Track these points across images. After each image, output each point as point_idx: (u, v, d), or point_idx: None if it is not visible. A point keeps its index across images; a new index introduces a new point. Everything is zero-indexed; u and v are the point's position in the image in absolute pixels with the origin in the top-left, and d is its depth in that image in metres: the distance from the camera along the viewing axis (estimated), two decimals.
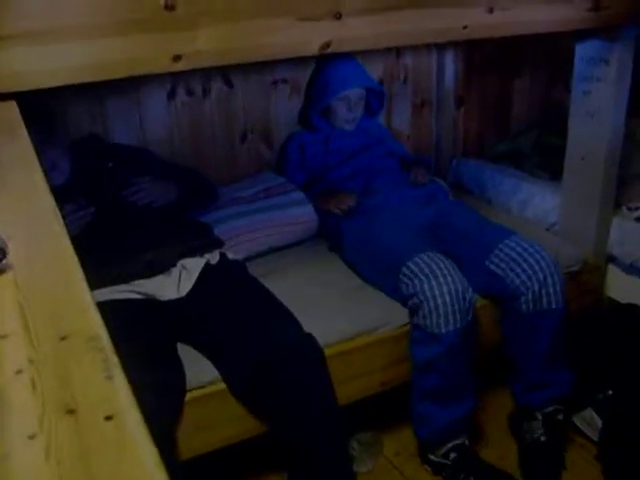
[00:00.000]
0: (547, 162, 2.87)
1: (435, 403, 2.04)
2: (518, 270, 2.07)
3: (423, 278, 1.97)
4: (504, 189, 2.87)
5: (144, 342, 1.74)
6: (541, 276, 2.06)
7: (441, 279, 1.96)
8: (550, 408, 2.15)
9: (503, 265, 2.10)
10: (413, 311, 2.01)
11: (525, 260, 2.08)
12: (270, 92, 2.74)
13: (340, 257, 2.39)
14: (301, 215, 2.51)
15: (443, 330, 1.94)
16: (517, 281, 2.07)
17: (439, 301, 1.93)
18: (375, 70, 2.92)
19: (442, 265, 2.00)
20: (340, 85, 2.52)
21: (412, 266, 2.02)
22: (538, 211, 2.71)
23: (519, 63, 3.22)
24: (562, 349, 2.16)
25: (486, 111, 3.23)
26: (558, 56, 3.04)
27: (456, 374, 2.02)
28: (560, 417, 2.17)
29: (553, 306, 2.08)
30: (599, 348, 2.34)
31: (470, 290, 2.00)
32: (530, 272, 2.06)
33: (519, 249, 2.11)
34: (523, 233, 2.37)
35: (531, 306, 2.07)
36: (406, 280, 2.02)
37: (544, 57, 3.21)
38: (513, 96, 3.27)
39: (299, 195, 2.56)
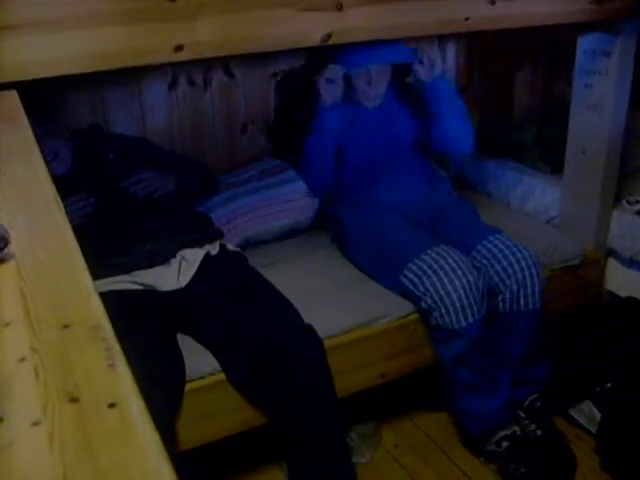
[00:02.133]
0: (548, 155, 2.86)
1: (474, 396, 2.05)
2: (497, 268, 2.07)
3: (432, 275, 1.95)
4: (505, 182, 2.87)
5: (143, 332, 1.74)
6: (520, 276, 2.06)
7: (451, 274, 1.94)
8: (527, 401, 2.17)
9: (484, 261, 2.10)
10: (427, 312, 2.00)
11: (505, 257, 2.08)
12: (271, 83, 2.73)
13: (340, 248, 2.39)
14: (293, 192, 2.50)
15: (464, 324, 1.93)
16: (496, 279, 2.07)
17: (454, 296, 1.92)
18: None
19: (450, 259, 1.97)
20: (356, 60, 2.18)
21: (420, 263, 1.99)
22: (538, 204, 2.71)
23: (520, 55, 3.21)
24: (538, 347, 2.17)
25: (487, 104, 3.22)
26: (560, 49, 3.04)
27: (486, 364, 2.03)
28: (538, 404, 2.18)
29: (530, 307, 2.09)
30: (598, 341, 2.35)
31: (480, 279, 1.99)
32: (510, 271, 2.06)
33: (501, 246, 2.10)
34: (523, 226, 2.38)
35: (507, 306, 2.09)
36: (413, 278, 2.00)
37: (546, 49, 3.21)
38: (514, 89, 3.27)
39: (291, 173, 2.55)
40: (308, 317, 1.86)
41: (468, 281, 1.94)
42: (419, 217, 2.32)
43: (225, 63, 2.60)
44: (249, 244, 2.41)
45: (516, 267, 2.07)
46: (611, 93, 2.29)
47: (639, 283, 2.45)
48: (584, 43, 2.33)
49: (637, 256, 2.43)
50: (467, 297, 1.92)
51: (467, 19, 1.83)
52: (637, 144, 2.81)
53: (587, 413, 2.27)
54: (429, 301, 1.96)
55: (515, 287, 2.07)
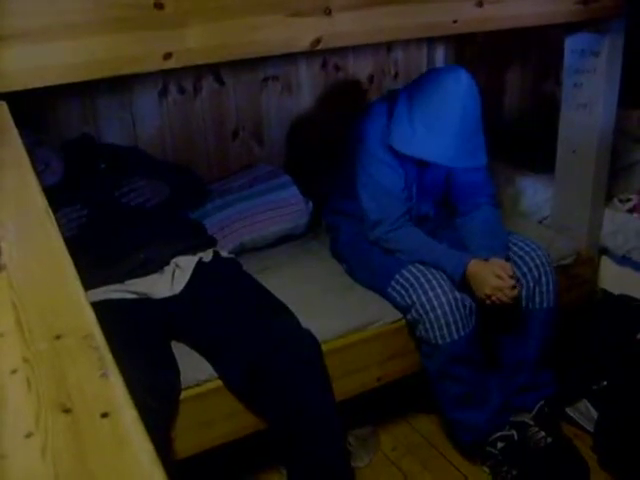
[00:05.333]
0: (539, 155, 2.86)
1: (465, 407, 2.05)
2: (514, 268, 2.04)
3: (418, 288, 1.95)
4: (496, 183, 2.86)
5: (138, 341, 1.74)
6: (536, 274, 2.06)
7: (438, 289, 1.93)
8: (535, 408, 2.16)
9: None
10: (413, 324, 2.00)
11: (520, 257, 2.08)
12: (261, 89, 2.73)
13: (334, 254, 2.38)
14: (286, 197, 2.51)
15: (448, 340, 1.93)
16: None
17: (439, 312, 1.91)
18: (365, 66, 2.92)
19: (438, 275, 1.97)
20: (445, 159, 1.99)
21: (407, 274, 2.00)
22: (531, 204, 2.71)
23: (509, 56, 3.22)
24: (550, 349, 2.17)
25: None
26: (548, 49, 3.05)
27: (474, 376, 2.02)
28: (546, 410, 2.17)
29: (545, 305, 2.09)
30: (593, 339, 2.35)
31: (468, 296, 1.99)
32: (525, 269, 2.06)
33: (515, 248, 2.11)
34: (516, 227, 2.39)
35: (524, 304, 2.08)
36: (400, 289, 2.00)
37: (534, 50, 3.22)
38: (505, 89, 3.28)
39: (284, 178, 2.56)
40: (303, 322, 1.86)
41: (455, 297, 1.93)
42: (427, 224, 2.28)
43: (215, 69, 2.60)
44: (243, 250, 2.41)
45: (531, 265, 2.07)
46: (600, 92, 2.30)
47: (632, 281, 2.45)
48: (572, 43, 2.33)
49: (630, 254, 2.43)
50: (452, 313, 1.91)
51: (455, 21, 1.83)
52: (627, 142, 2.82)
53: (584, 412, 2.27)
54: (414, 314, 1.96)
55: (531, 284, 2.07)
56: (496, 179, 2.83)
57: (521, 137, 3.02)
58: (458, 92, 1.93)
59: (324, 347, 1.89)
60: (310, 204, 2.53)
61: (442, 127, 1.93)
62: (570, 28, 2.29)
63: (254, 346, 1.76)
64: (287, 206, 2.48)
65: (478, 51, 3.12)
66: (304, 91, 2.82)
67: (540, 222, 2.67)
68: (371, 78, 2.94)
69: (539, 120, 3.05)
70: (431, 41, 3.00)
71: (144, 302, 1.91)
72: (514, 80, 3.28)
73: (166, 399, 1.70)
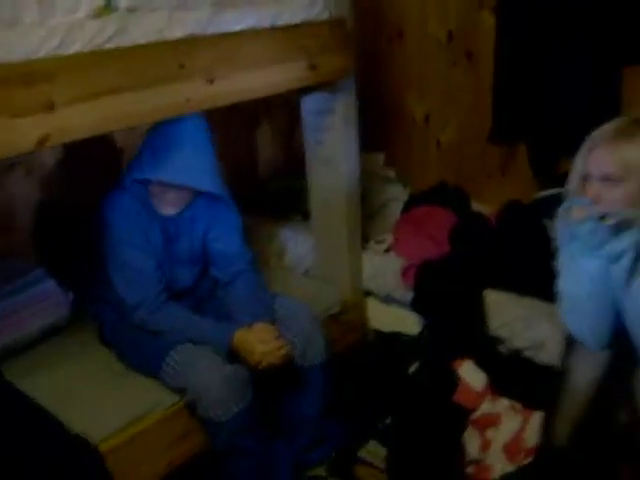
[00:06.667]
0: (298, 205, 2.93)
1: (257, 477, 2.03)
2: (282, 329, 2.08)
3: (189, 369, 1.93)
4: (258, 239, 2.88)
5: None
6: (304, 332, 2.12)
7: (209, 367, 1.92)
8: (329, 459, 2.21)
9: None
10: (192, 405, 1.97)
11: (287, 318, 2.13)
12: (1, 176, 2.54)
13: (103, 342, 2.27)
14: (43, 291, 2.35)
15: (228, 416, 1.91)
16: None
17: (213, 391, 1.89)
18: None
19: (207, 352, 1.97)
20: (170, 173, 2.00)
21: (175, 356, 1.97)
22: (294, 257, 2.77)
23: (257, 117, 3.31)
24: (332, 400, 2.23)
25: (232, 165, 3.26)
26: (291, 107, 3.16)
27: (260, 446, 2.01)
28: (339, 458, 2.23)
29: (317, 361, 2.15)
30: (371, 380, 2.45)
31: (241, 367, 1.98)
32: (296, 330, 2.11)
33: (282, 310, 2.16)
34: (282, 282, 2.44)
35: (299, 363, 2.12)
36: (171, 372, 1.97)
37: (280, 108, 3.32)
38: (256, 148, 3.36)
39: (38, 272, 2.40)
40: (77, 424, 1.79)
41: (227, 372, 1.93)
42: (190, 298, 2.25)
43: None
44: (8, 353, 2.21)
45: (302, 324, 2.13)
46: (341, 146, 2.42)
47: (398, 317, 2.58)
48: (307, 103, 2.44)
49: (392, 293, 2.56)
50: (228, 389, 1.90)
51: (188, 100, 1.83)
52: (377, 182, 3.00)
53: (374, 451, 2.34)
54: (190, 396, 1.94)
55: (303, 344, 2.11)
56: (258, 235, 2.86)
57: (279, 192, 3.10)
58: (183, 120, 1.97)
59: (103, 445, 1.82)
60: (70, 294, 2.40)
61: (166, 147, 1.97)
62: (304, 90, 2.38)
63: (23, 466, 1.63)
64: (46, 299, 2.34)
65: (226, 115, 3.16)
66: (50, 172, 2.67)
67: (305, 273, 2.73)
68: (121, 151, 2.86)
69: (293, 173, 3.15)
70: None
71: None
72: (264, 139, 3.37)
73: None
